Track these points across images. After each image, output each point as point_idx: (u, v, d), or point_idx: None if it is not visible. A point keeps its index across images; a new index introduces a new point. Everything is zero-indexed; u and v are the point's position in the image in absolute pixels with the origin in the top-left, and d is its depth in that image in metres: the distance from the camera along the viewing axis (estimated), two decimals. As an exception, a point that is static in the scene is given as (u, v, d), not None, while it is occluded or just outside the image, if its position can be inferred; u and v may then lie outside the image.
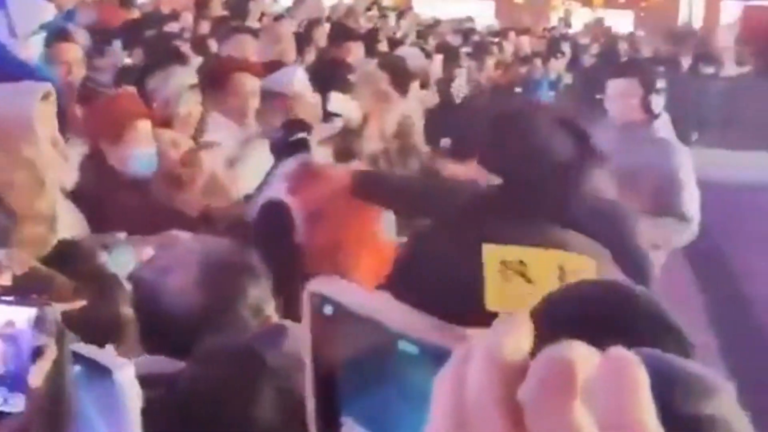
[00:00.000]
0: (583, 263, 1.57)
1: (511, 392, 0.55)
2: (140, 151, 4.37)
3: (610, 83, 5.48)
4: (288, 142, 4.41)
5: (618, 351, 0.55)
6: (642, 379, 0.54)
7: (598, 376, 0.54)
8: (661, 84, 5.58)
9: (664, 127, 5.57)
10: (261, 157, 4.82)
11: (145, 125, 4.43)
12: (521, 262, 1.51)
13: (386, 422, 0.62)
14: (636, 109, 5.40)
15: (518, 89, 11.59)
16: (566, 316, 1.86)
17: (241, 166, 5.09)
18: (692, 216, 5.27)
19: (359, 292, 0.63)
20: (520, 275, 1.54)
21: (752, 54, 20.57)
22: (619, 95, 5.42)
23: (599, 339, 1.84)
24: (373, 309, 0.61)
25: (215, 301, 2.21)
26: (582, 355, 0.55)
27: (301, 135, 4.43)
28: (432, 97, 8.22)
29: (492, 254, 1.50)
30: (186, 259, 2.32)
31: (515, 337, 0.57)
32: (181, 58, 5.90)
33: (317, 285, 0.64)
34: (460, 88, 9.45)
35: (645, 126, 5.42)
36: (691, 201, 5.31)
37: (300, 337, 0.65)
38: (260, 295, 2.29)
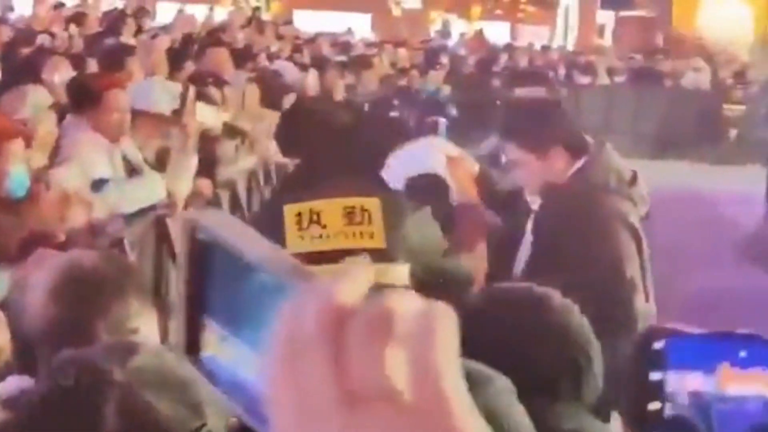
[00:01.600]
0: (366, 203, 1.86)
1: (339, 331, 0.62)
2: (14, 171, 4.30)
3: (518, 93, 5.55)
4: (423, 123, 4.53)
5: (436, 304, 0.62)
6: (449, 330, 0.61)
7: (415, 323, 0.61)
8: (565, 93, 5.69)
9: None
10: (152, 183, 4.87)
11: (18, 144, 4.36)
12: (312, 210, 1.84)
13: (240, 325, 0.70)
14: None
15: (395, 101, 11.65)
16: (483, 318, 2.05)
17: (125, 186, 5.11)
18: None
19: (232, 224, 0.72)
20: (315, 222, 1.84)
21: (626, 63, 20.99)
22: None
23: (510, 340, 1.87)
24: (240, 240, 0.70)
25: (70, 316, 2.18)
26: (404, 304, 0.62)
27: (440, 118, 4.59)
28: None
29: (289, 210, 1.85)
30: (45, 275, 2.28)
31: (351, 283, 0.63)
32: (36, 78, 5.85)
33: (194, 214, 0.74)
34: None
35: None
36: None
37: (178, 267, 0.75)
38: (126, 312, 2.25)
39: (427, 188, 3.95)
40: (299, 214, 1.83)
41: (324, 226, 1.84)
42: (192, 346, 0.74)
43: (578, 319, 2.12)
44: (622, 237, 4.01)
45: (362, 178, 2.31)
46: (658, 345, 0.86)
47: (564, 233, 3.96)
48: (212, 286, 0.72)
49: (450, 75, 15.93)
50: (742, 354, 0.83)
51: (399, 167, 4.13)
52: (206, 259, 0.72)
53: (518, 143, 4.15)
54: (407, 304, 0.62)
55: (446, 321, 0.62)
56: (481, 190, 4.22)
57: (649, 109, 16.92)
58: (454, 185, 4.12)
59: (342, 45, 15.36)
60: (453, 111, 12.88)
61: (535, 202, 4.23)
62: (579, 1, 28.66)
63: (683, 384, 0.83)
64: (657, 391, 0.85)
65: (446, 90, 15.70)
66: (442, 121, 6.45)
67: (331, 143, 2.81)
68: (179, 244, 0.76)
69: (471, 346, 2.03)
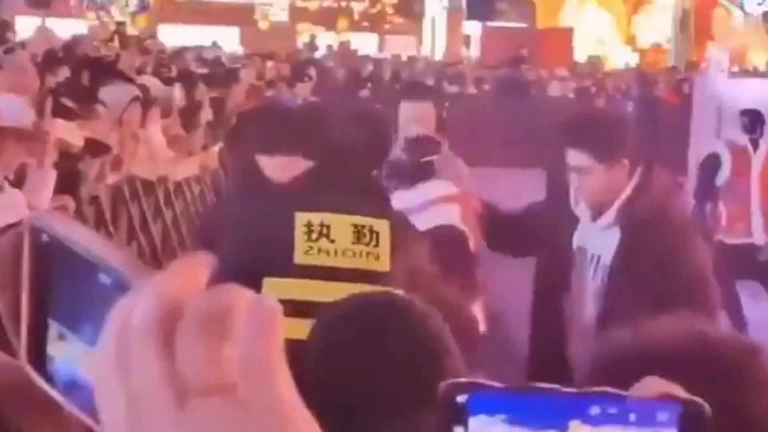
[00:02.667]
0: (376, 224, 1.89)
1: (168, 327, 0.62)
2: None
3: (405, 106, 5.34)
4: (418, 164, 4.39)
5: (262, 298, 0.63)
6: (275, 324, 0.62)
7: (247, 319, 0.62)
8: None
9: None
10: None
11: None
12: (323, 223, 1.86)
13: (81, 324, 0.70)
14: (432, 132, 5.33)
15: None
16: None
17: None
18: None
19: (73, 225, 0.73)
20: (324, 236, 1.87)
21: (492, 73, 21.23)
22: (415, 118, 5.31)
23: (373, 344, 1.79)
24: (81, 240, 0.70)
25: None
26: (235, 299, 0.63)
27: (431, 157, 4.46)
28: (175, 126, 8.12)
29: (300, 218, 1.86)
30: None
31: (182, 278, 0.64)
32: None
33: (36, 217, 0.74)
34: (206, 116, 9.38)
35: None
36: None
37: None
38: None
39: (445, 241, 3.89)
40: (309, 225, 1.85)
41: (333, 241, 1.86)
42: (36, 350, 0.73)
43: (439, 326, 2.08)
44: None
45: (370, 195, 2.34)
46: (460, 399, 0.81)
47: (666, 265, 3.87)
48: (55, 288, 0.73)
49: (318, 87, 15.92)
50: (594, 411, 0.79)
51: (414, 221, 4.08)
52: (49, 260, 0.73)
53: (590, 151, 4.10)
54: (239, 300, 0.63)
55: (276, 317, 0.62)
56: (484, 223, 4.23)
57: (516, 118, 17.13)
58: (470, 233, 4.18)
59: (209, 59, 15.21)
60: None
61: (585, 214, 4.19)
62: (446, 13, 28.95)
63: None
64: None
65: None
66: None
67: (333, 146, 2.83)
68: (24, 243, 0.76)
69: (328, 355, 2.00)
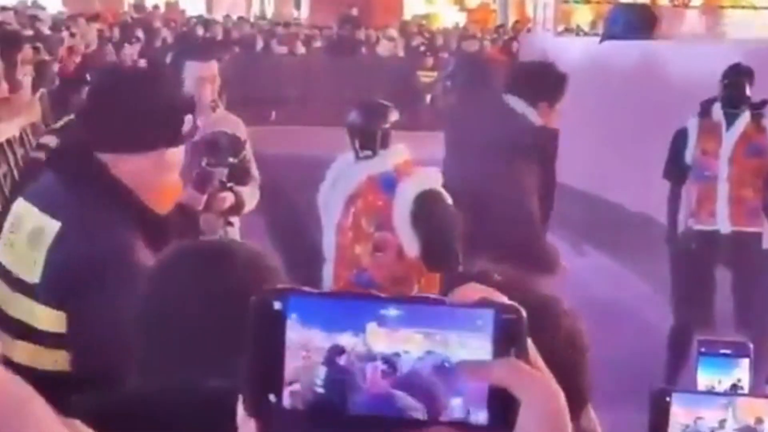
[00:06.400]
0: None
1: None
2: None
3: (190, 65, 5.28)
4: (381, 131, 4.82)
5: None
6: None
7: None
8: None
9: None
10: None
11: None
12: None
13: None
14: (214, 93, 5.30)
15: (88, 76, 11.29)
16: None
17: None
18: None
19: None
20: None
21: (322, 33, 21.17)
22: (202, 78, 5.25)
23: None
24: None
25: None
26: None
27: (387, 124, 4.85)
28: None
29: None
30: None
31: None
32: None
33: None
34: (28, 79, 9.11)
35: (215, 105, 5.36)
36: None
37: None
38: None
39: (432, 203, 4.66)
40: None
41: None
42: None
43: (269, 265, 2.05)
44: None
45: None
46: (277, 305, 0.82)
47: None
48: None
49: (145, 48, 15.62)
50: (392, 313, 0.81)
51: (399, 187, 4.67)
52: None
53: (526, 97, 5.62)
54: None
55: None
56: None
57: (346, 77, 17.12)
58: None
59: (30, 19, 14.75)
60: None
61: None
62: (274, -28, 28.72)
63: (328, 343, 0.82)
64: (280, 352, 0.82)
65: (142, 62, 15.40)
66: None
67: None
68: None
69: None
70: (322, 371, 0.81)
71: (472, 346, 0.82)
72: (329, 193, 4.90)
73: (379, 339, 0.81)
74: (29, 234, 2.82)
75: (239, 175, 5.09)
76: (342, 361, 0.81)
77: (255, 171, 5.45)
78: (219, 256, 2.01)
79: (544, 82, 5.75)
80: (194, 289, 1.94)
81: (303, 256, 5.26)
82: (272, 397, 0.81)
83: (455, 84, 14.75)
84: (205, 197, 4.70)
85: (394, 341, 0.81)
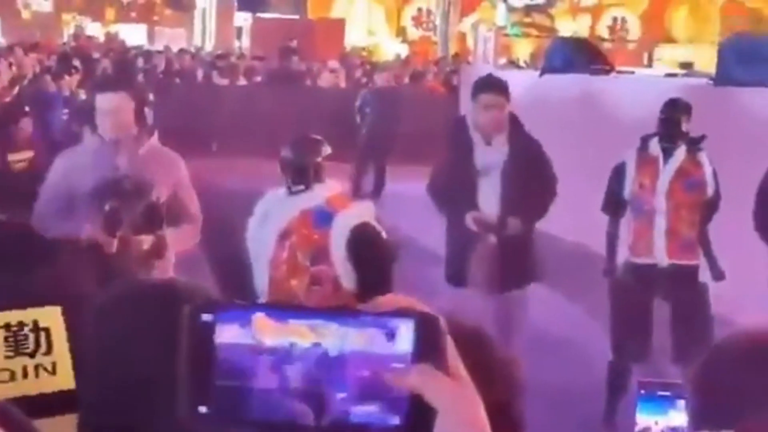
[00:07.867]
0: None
1: None
2: None
3: (100, 98, 5.26)
4: (313, 164, 4.91)
5: None
6: None
7: None
8: (151, 97, 5.53)
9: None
10: None
11: None
12: None
13: None
14: (129, 124, 5.21)
15: (27, 108, 11.17)
16: None
17: None
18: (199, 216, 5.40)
19: None
20: None
21: (263, 64, 21.13)
22: (102, 110, 5.19)
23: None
24: None
25: None
26: None
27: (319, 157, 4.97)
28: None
29: None
30: None
31: None
32: None
33: None
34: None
35: (143, 139, 5.27)
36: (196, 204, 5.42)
37: None
38: None
39: (365, 238, 4.75)
40: None
41: None
42: None
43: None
44: None
45: None
46: (206, 317, 0.85)
47: None
48: None
49: (85, 79, 15.48)
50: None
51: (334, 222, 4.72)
52: None
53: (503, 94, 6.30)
54: None
55: None
56: None
57: (288, 108, 17.09)
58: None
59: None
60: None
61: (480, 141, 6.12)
62: (216, 4, 28.69)
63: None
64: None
65: (82, 94, 15.27)
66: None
67: None
68: None
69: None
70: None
71: (377, 343, 0.83)
72: (258, 228, 4.90)
73: (267, 331, 0.83)
74: None
75: (165, 217, 4.98)
76: (235, 357, 0.82)
77: (194, 209, 5.33)
78: (158, 295, 1.98)
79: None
80: (135, 329, 1.92)
81: (244, 292, 5.23)
82: (203, 409, 0.83)
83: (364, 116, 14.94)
84: (115, 241, 4.61)
85: (282, 333, 0.82)
